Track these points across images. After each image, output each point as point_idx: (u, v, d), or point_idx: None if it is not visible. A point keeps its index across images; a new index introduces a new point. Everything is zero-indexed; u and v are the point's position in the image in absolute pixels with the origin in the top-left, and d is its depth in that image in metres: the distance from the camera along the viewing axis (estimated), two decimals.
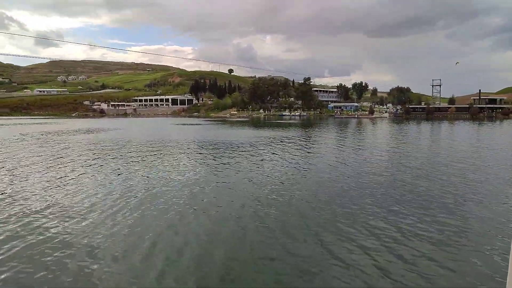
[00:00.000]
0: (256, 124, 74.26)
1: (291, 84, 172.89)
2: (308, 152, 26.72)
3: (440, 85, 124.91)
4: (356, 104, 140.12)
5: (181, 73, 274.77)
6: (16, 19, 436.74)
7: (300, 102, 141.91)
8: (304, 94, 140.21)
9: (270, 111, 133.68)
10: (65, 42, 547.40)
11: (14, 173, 17.84)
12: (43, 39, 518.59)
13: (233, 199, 13.04)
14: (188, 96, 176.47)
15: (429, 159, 23.24)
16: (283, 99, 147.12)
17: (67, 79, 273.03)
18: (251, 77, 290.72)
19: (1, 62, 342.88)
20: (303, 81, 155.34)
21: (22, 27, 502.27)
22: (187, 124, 70.15)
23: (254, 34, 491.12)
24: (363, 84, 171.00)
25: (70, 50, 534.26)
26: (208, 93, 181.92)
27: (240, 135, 43.74)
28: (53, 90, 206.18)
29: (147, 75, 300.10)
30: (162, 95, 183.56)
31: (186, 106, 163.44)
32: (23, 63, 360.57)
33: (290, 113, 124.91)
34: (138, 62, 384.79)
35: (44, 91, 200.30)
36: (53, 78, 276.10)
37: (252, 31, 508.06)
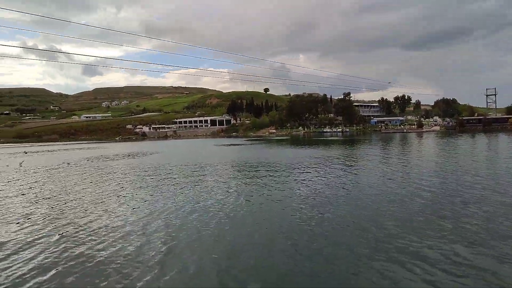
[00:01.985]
0: (297, 142, 71.30)
1: (329, 100, 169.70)
2: (360, 171, 23.32)
3: (495, 94, 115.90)
4: (401, 118, 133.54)
5: (218, 94, 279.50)
6: (64, 51, 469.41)
7: (340, 118, 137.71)
8: (344, 109, 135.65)
9: (309, 128, 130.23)
10: (108, 70, 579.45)
11: (57, 199, 16.22)
12: (89, 68, 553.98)
13: (275, 219, 12.53)
14: (226, 117, 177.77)
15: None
16: (323, 115, 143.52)
17: (110, 104, 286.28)
18: (287, 95, 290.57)
19: (52, 92, 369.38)
20: (342, 97, 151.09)
21: (70, 58, 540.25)
22: (229, 145, 68.52)
23: (288, 53, 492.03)
24: (406, 97, 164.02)
25: (113, 77, 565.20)
26: (245, 113, 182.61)
27: (282, 154, 41.10)
28: (98, 116, 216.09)
29: (185, 97, 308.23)
30: (201, 116, 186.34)
31: (225, 126, 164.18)
32: (71, 92, 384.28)
33: (331, 130, 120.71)
34: (176, 85, 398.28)
35: (90, 117, 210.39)
36: (98, 104, 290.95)
37: (286, 50, 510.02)
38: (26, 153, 60.41)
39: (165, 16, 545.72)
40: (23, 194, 19.09)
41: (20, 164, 37.03)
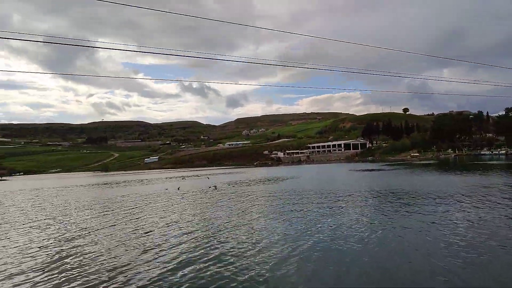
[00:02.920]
0: (447, 166, 61.90)
1: (486, 118, 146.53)
2: None
3: None
4: None
5: (351, 118, 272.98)
6: (212, 87, 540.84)
7: (502, 138, 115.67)
8: (508, 127, 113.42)
9: (461, 150, 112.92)
10: (248, 101, 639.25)
11: (197, 221, 17.43)
12: (232, 101, 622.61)
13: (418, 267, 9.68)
14: (361, 140, 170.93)
15: None
16: (478, 135, 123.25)
17: (249, 132, 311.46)
18: (429, 114, 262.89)
19: (202, 123, 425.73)
20: (504, 113, 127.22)
21: (217, 94, 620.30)
22: (365, 170, 64.39)
23: (430, 69, 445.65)
24: None
25: (252, 108, 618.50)
26: (381, 136, 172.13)
27: (431, 181, 35.84)
28: (239, 143, 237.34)
29: (318, 123, 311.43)
30: (334, 140, 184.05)
31: (359, 150, 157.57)
32: (217, 123, 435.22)
33: (491, 152, 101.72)
34: (309, 111, 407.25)
35: (232, 145, 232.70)
36: (239, 132, 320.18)
37: (427, 66, 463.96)
38: (183, 178, 69.55)
39: (301, 46, 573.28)
40: (173, 213, 21.30)
41: (178, 188, 42.28)
